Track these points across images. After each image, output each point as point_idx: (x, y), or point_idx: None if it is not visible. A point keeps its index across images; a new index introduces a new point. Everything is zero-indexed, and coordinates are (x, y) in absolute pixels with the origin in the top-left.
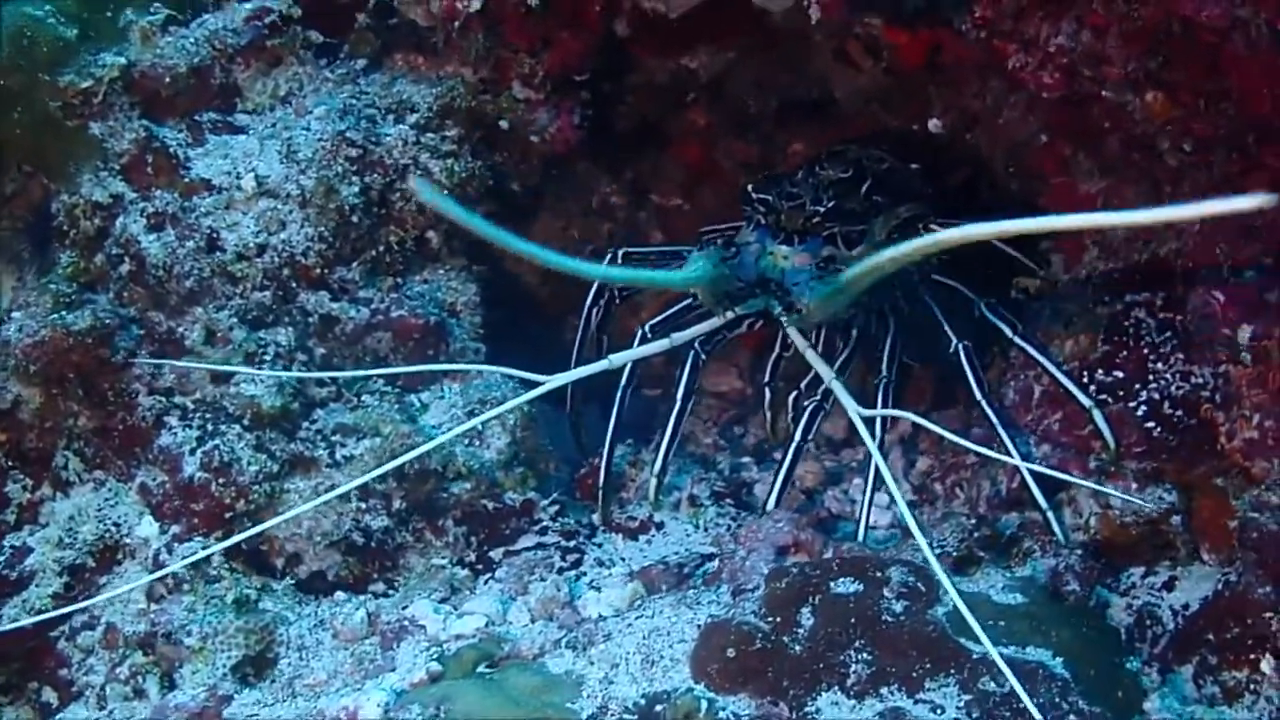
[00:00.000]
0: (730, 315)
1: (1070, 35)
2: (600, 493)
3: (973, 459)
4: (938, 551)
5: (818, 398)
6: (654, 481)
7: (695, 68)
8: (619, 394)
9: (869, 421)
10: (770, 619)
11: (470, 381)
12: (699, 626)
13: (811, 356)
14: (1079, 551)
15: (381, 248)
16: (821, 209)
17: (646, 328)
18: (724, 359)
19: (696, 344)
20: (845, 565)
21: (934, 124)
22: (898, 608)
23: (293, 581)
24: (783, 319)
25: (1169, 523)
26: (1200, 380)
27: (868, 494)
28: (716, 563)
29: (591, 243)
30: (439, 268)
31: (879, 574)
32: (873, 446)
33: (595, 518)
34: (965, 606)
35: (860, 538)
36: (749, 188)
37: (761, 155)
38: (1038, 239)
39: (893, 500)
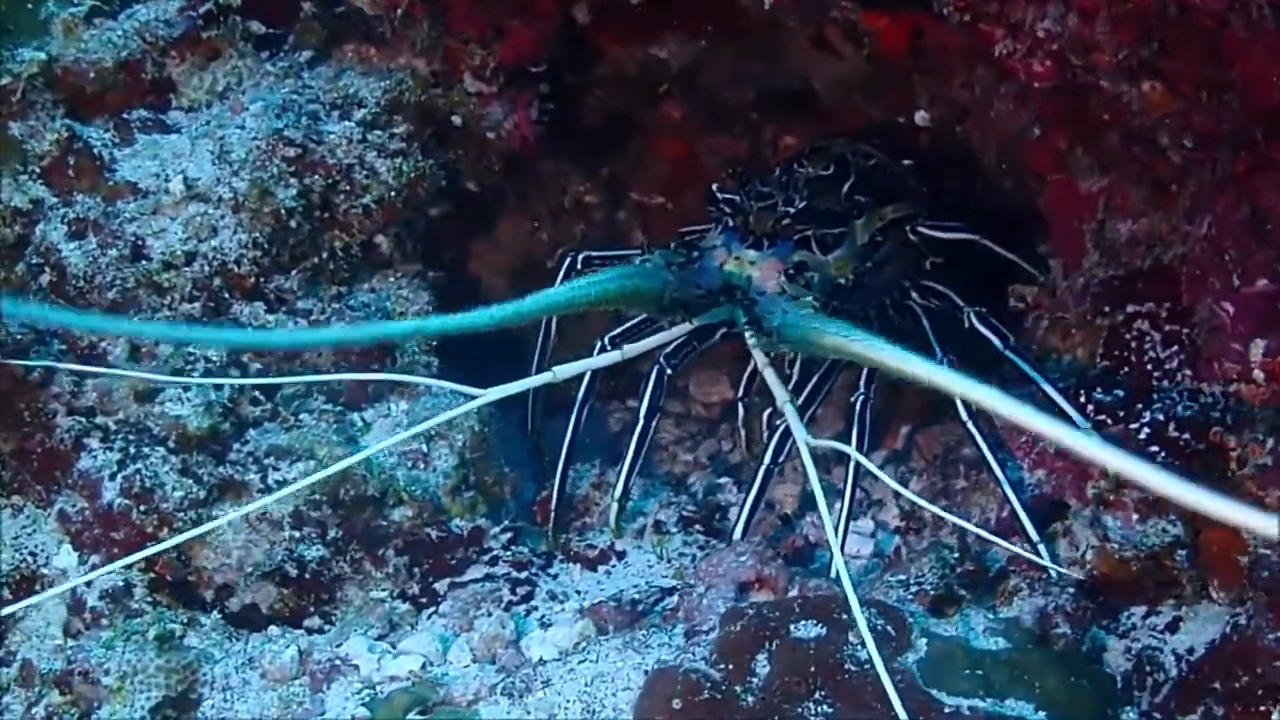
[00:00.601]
0: (691, 325)
1: (1057, 20)
2: (553, 519)
3: (963, 482)
4: (914, 589)
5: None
6: (614, 507)
7: (665, 57)
8: (575, 411)
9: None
10: (722, 666)
11: (418, 399)
12: (646, 672)
13: (770, 376)
14: (1071, 590)
15: (325, 254)
16: (793, 209)
17: (606, 339)
18: (714, 367)
19: (662, 358)
20: (808, 606)
21: (921, 116)
22: (863, 655)
23: (222, 615)
24: (746, 334)
25: (1173, 557)
26: (1209, 400)
27: (841, 523)
28: (676, 598)
29: (564, 244)
30: (389, 275)
31: (844, 616)
32: (815, 479)
33: (548, 547)
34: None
35: (832, 572)
36: (714, 187)
37: (751, 150)
38: (1035, 241)
39: (876, 528)
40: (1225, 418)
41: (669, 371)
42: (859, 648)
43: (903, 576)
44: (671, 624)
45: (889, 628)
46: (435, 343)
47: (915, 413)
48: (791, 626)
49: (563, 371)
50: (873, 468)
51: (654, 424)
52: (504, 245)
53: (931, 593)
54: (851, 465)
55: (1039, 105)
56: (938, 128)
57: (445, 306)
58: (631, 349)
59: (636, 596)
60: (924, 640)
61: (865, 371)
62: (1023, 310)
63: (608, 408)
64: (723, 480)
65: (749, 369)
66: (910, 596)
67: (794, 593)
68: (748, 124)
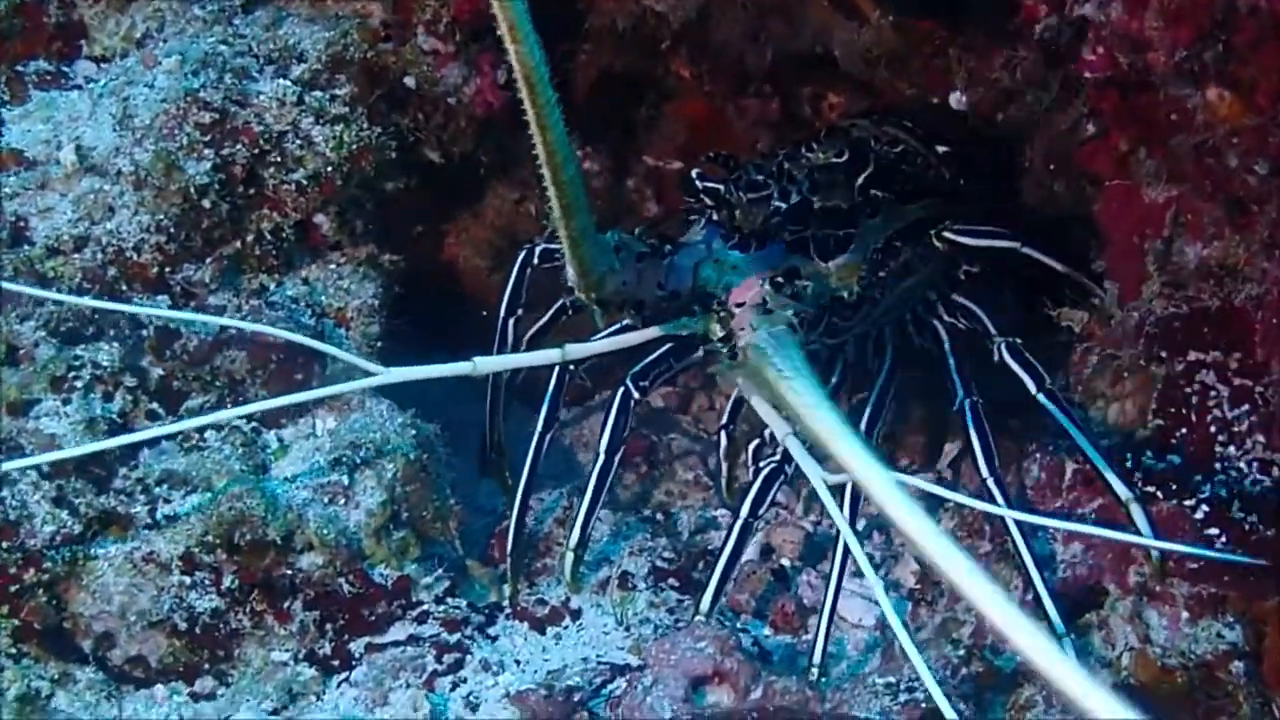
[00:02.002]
0: (656, 334)
1: (1099, 5)
2: (510, 564)
3: (988, 545)
4: (904, 698)
5: (776, 457)
6: (569, 558)
7: (662, 11)
8: (537, 431)
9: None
10: None
11: (348, 415)
12: None
13: (760, 404)
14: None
15: (250, 238)
16: (789, 204)
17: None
18: None
19: (629, 380)
20: None
21: (956, 99)
22: None
23: (103, 669)
24: (719, 354)
25: (1229, 669)
26: None
27: (828, 602)
28: (623, 685)
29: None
30: (330, 262)
31: None
32: (842, 522)
33: (496, 597)
34: None
35: (816, 660)
36: (694, 173)
37: (784, 111)
38: (1089, 259)
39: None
40: None
41: (636, 396)
42: None
43: (892, 679)
44: None
45: None
46: (380, 344)
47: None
48: None
49: (485, 364)
50: (933, 487)
51: (616, 459)
52: (486, 221)
53: (924, 704)
54: (840, 535)
55: (1094, 98)
56: (976, 114)
57: (405, 295)
58: (576, 350)
59: (577, 682)
60: None
61: (873, 405)
62: (1071, 341)
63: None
64: (720, 513)
65: (734, 395)
66: (898, 708)
67: (756, 695)
68: (777, 83)
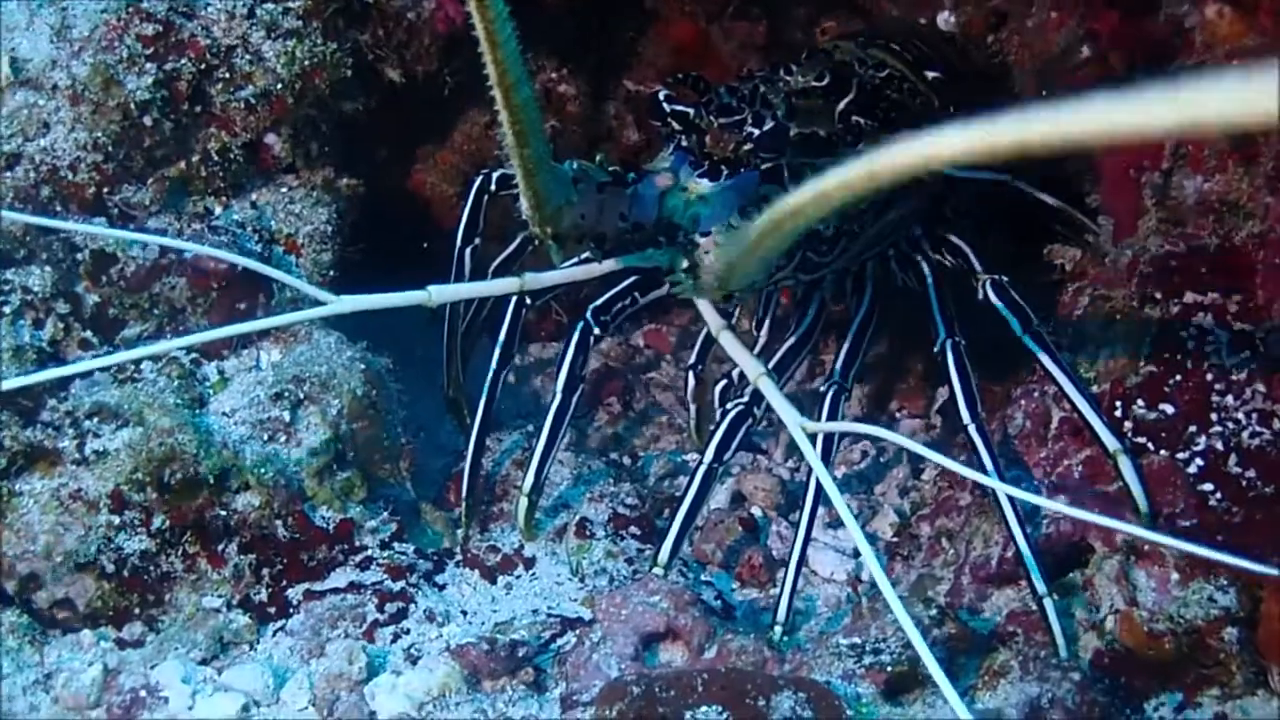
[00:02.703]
0: (610, 266)
1: None
2: (464, 509)
3: (968, 498)
4: (869, 661)
5: (744, 399)
6: (523, 503)
7: None
8: (493, 366)
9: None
10: None
11: (294, 347)
12: None
13: (729, 342)
14: (1076, 676)
15: (195, 158)
16: (763, 129)
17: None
18: None
19: (589, 314)
20: (714, 684)
21: (945, 18)
22: None
23: (29, 612)
24: (675, 286)
25: (1221, 635)
26: None
27: (795, 556)
28: (574, 639)
29: None
30: (283, 185)
31: (760, 703)
32: (818, 465)
33: (450, 542)
34: None
35: (780, 618)
36: (661, 95)
37: (770, 35)
38: (1085, 185)
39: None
40: None
41: (596, 331)
42: None
43: (858, 640)
44: (555, 683)
45: None
46: (333, 273)
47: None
48: (688, 715)
49: (440, 293)
50: (905, 440)
51: (574, 399)
52: (455, 145)
53: (890, 667)
54: (812, 484)
55: (1088, 17)
56: (966, 36)
57: (367, 222)
58: (535, 279)
59: (523, 636)
60: None
61: (847, 350)
62: (1061, 280)
63: None
64: (691, 458)
65: (704, 333)
66: (861, 671)
67: (711, 654)
68: (765, 4)
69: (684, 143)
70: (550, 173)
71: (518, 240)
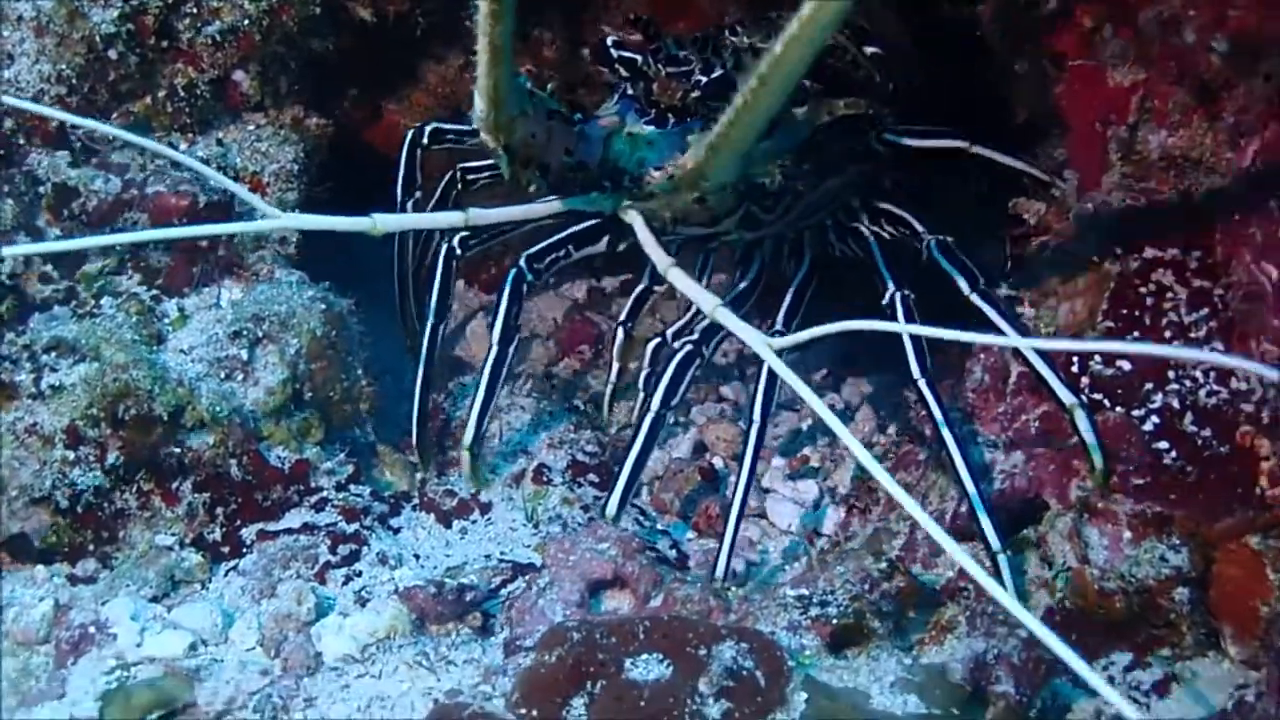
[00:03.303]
0: (555, 207)
1: None
2: (418, 455)
3: (925, 453)
4: (815, 613)
5: (693, 338)
6: (466, 457)
7: None
8: (428, 331)
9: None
10: (522, 710)
11: (254, 285)
12: (435, 701)
13: (678, 276)
14: (1022, 633)
15: (161, 94)
16: (710, 79)
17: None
18: None
19: (523, 261)
20: (656, 632)
21: None
22: (714, 713)
23: None
24: (620, 208)
25: (1172, 595)
26: (1244, 387)
27: (736, 500)
28: (523, 584)
29: None
30: (250, 122)
31: (701, 652)
32: (796, 383)
33: (407, 485)
34: None
35: (720, 569)
36: (609, 41)
37: None
38: (1052, 138)
39: (823, 495)
40: (1260, 414)
41: (529, 278)
42: (709, 702)
43: (805, 592)
44: (500, 627)
45: (758, 673)
46: (297, 210)
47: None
48: (628, 662)
49: (384, 221)
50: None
51: (511, 350)
52: (429, 87)
53: (835, 620)
54: (754, 429)
55: None
56: None
57: (332, 161)
58: (478, 214)
59: (473, 580)
60: (803, 695)
61: (784, 307)
62: (1026, 235)
63: None
64: None
65: (639, 288)
66: (806, 623)
67: (656, 603)
68: None
69: (630, 90)
70: (511, 74)
71: (443, 182)
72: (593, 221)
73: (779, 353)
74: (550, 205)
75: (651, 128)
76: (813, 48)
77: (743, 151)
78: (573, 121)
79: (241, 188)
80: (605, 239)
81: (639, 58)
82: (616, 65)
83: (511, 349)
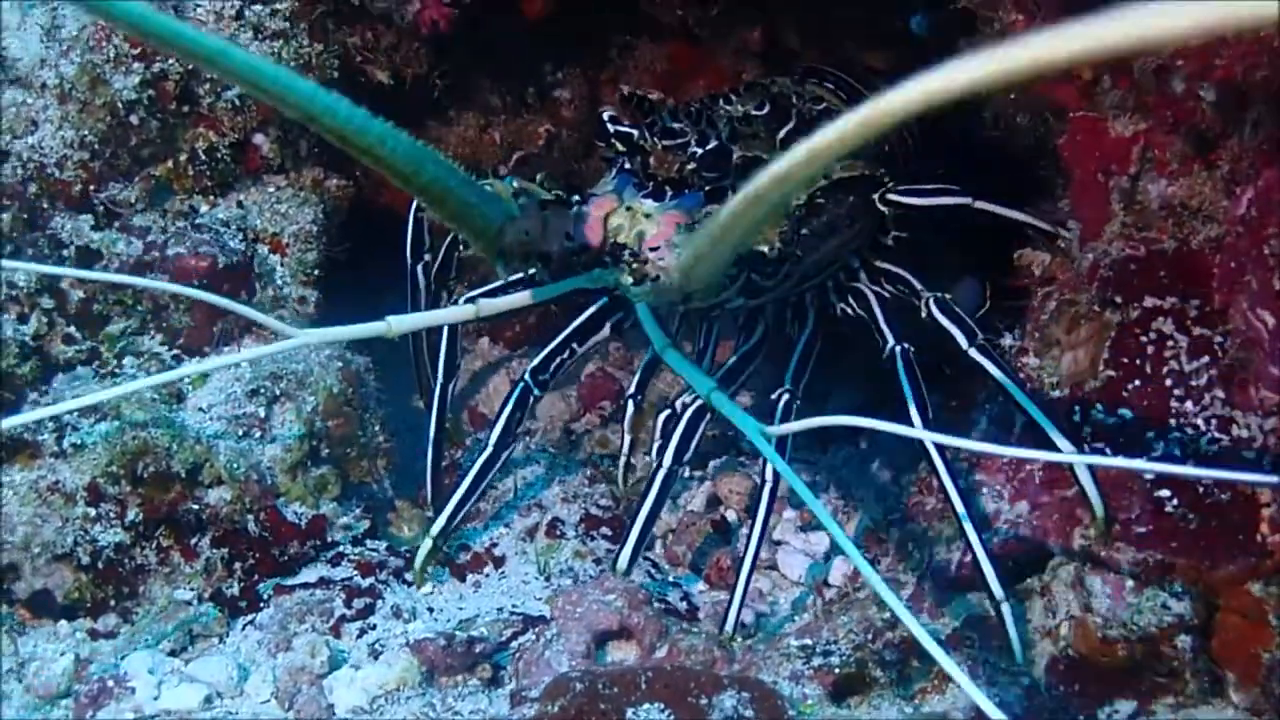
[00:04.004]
0: (564, 286)
1: None
2: (432, 505)
3: (933, 503)
4: (818, 662)
5: (698, 402)
6: (426, 545)
7: None
8: (438, 390)
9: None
10: None
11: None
12: None
13: (674, 358)
14: (1025, 681)
15: (182, 157)
16: (706, 150)
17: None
18: None
19: (528, 375)
20: (658, 682)
21: (916, 22)
22: None
23: (8, 601)
24: (630, 293)
25: (1174, 643)
26: (1245, 434)
27: (747, 559)
28: (533, 636)
29: (521, 148)
30: (269, 185)
31: (702, 701)
32: (784, 467)
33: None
34: None
35: (730, 621)
36: (606, 116)
37: (767, 40)
38: (1055, 190)
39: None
40: (1262, 462)
41: (536, 392)
42: None
43: (809, 641)
44: (509, 679)
45: None
46: (317, 272)
47: None
48: (629, 712)
49: (399, 324)
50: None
51: (505, 456)
52: (450, 148)
53: (838, 669)
54: (766, 488)
55: (1053, 13)
56: (937, 38)
57: (350, 223)
58: (489, 305)
59: (483, 633)
60: None
61: (792, 366)
62: (1031, 284)
63: None
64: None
65: (645, 359)
66: (809, 672)
67: (662, 653)
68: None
69: (628, 165)
70: (479, 206)
71: (444, 247)
72: (594, 310)
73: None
74: (556, 287)
75: (650, 201)
76: (800, 186)
77: (727, 260)
78: (569, 204)
79: (258, 313)
80: (609, 325)
81: (635, 132)
82: (613, 140)
83: (506, 454)
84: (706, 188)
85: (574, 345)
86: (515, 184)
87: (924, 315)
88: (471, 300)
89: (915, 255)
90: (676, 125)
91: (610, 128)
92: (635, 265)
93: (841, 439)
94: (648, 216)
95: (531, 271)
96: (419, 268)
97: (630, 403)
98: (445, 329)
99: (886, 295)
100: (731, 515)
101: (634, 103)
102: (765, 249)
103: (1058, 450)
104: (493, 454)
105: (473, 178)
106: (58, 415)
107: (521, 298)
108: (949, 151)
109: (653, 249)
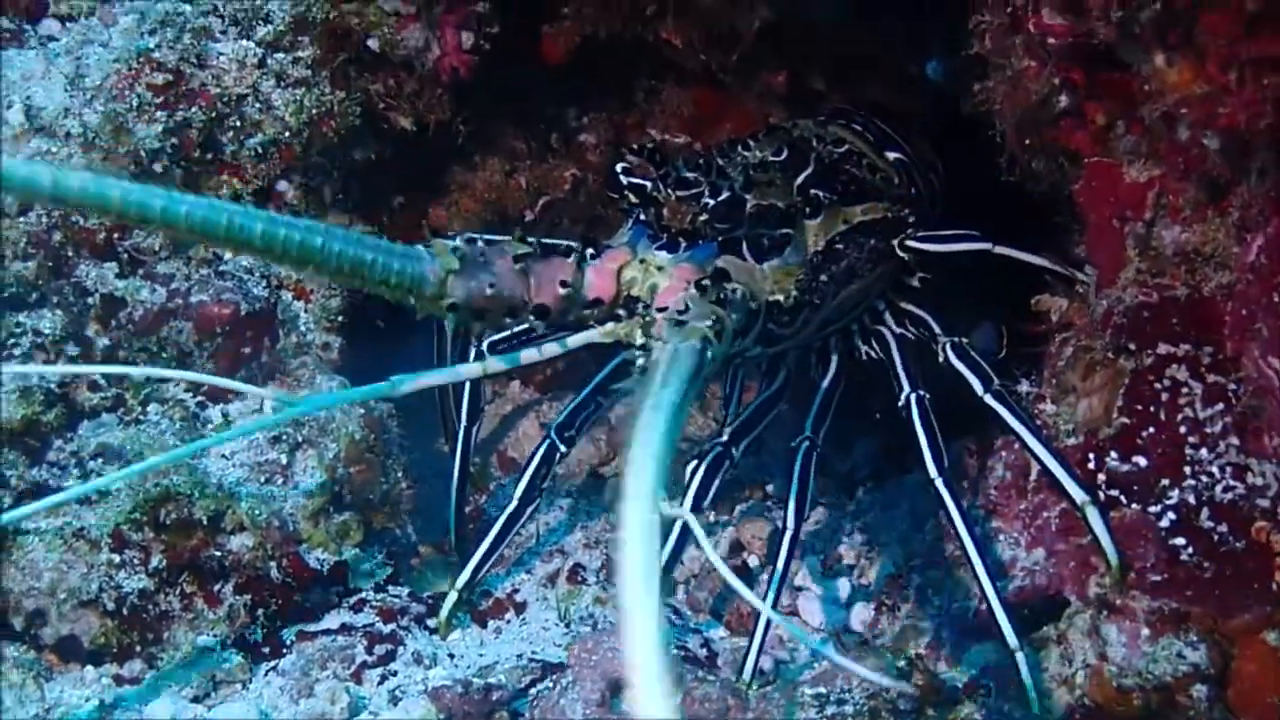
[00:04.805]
0: (575, 343)
1: None
2: (455, 551)
3: (952, 549)
4: (831, 712)
5: (722, 440)
6: (451, 597)
7: None
8: (461, 435)
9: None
10: None
11: (296, 392)
12: None
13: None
14: None
15: None
16: (719, 200)
17: (484, 345)
18: None
19: (553, 432)
20: None
21: (932, 67)
22: None
23: (34, 648)
24: (635, 338)
25: (1190, 692)
26: (1260, 482)
27: (765, 611)
28: (550, 684)
29: (547, 192)
30: None
31: None
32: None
33: (446, 586)
34: None
35: (748, 668)
36: (619, 169)
37: (792, 84)
38: (1073, 235)
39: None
40: (1276, 510)
41: (562, 449)
42: None
43: (823, 690)
44: None
45: None
46: (341, 318)
47: None
48: None
49: (404, 384)
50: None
51: (530, 510)
52: (476, 193)
53: (851, 717)
54: (786, 535)
55: (1062, 67)
56: (951, 84)
57: None
58: (497, 364)
59: (501, 680)
60: None
61: (813, 413)
62: (1049, 330)
63: None
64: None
65: None
66: None
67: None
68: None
69: (642, 216)
70: (398, 271)
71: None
72: (619, 361)
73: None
74: (574, 339)
75: (663, 253)
76: None
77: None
78: (565, 251)
79: (247, 386)
80: (631, 375)
81: (648, 184)
82: (627, 192)
83: (531, 508)
84: (720, 239)
85: (599, 399)
86: (460, 241)
87: (941, 360)
88: (481, 356)
89: (938, 297)
90: (690, 175)
91: (623, 180)
92: (647, 319)
93: (870, 484)
94: (660, 269)
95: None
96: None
97: None
98: (540, 453)
99: (910, 337)
100: (754, 560)
101: (645, 154)
102: (780, 298)
103: (1072, 499)
104: (517, 509)
105: (387, 244)
106: (81, 461)
107: (530, 354)
108: (974, 195)
109: (660, 309)
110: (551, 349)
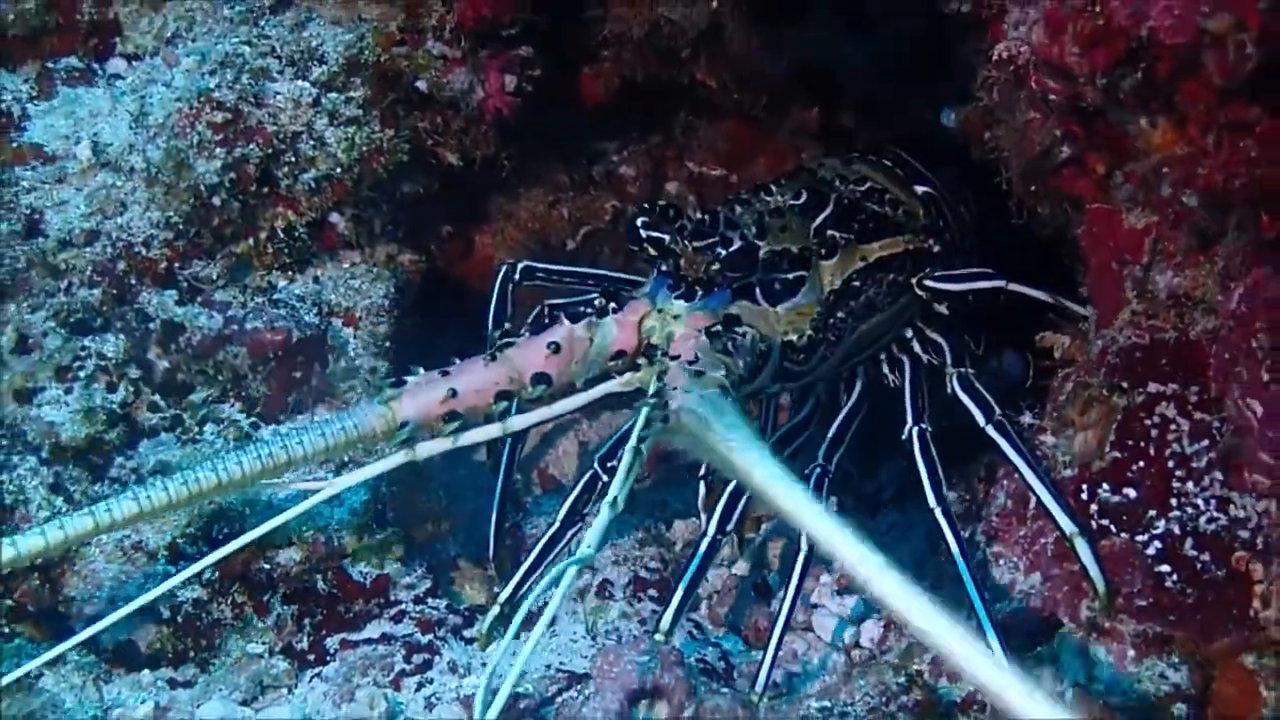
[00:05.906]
0: (593, 395)
1: (1024, 32)
2: (494, 565)
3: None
4: None
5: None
6: (494, 611)
7: (676, 19)
8: (504, 460)
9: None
10: None
11: (345, 411)
12: None
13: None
14: None
15: (262, 235)
16: (731, 249)
17: None
18: None
19: (596, 464)
20: None
21: (948, 116)
22: None
23: (94, 652)
24: (641, 422)
25: (1171, 711)
26: (1241, 514)
27: (779, 623)
28: (575, 694)
29: (588, 223)
30: (344, 261)
31: None
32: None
33: (483, 599)
34: None
35: (761, 681)
36: (638, 222)
37: (824, 121)
38: (1076, 270)
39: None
40: (1255, 540)
41: (604, 479)
42: None
43: (828, 703)
44: None
45: None
46: (389, 344)
47: None
48: None
49: (425, 449)
50: None
51: (571, 535)
52: (520, 223)
53: None
54: (801, 553)
55: (1063, 120)
56: (966, 133)
57: (422, 296)
58: (517, 421)
59: (528, 689)
60: None
61: (829, 438)
62: (1053, 366)
63: None
64: None
65: None
66: None
67: (689, 711)
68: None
69: (663, 268)
70: (352, 431)
71: (531, 318)
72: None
73: None
74: (594, 390)
75: (680, 301)
76: None
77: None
78: (597, 312)
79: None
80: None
81: (666, 236)
82: (645, 245)
83: (572, 532)
84: (735, 285)
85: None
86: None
87: (948, 390)
88: (502, 417)
89: (965, 326)
90: (702, 226)
91: (642, 233)
92: (662, 366)
93: (891, 505)
94: (676, 317)
95: None
96: (498, 334)
97: (701, 484)
98: (582, 481)
99: (933, 363)
100: (775, 578)
101: (658, 210)
102: (794, 338)
103: (1062, 529)
104: (558, 531)
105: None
106: (141, 480)
107: (551, 410)
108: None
109: (673, 357)
110: (565, 405)
